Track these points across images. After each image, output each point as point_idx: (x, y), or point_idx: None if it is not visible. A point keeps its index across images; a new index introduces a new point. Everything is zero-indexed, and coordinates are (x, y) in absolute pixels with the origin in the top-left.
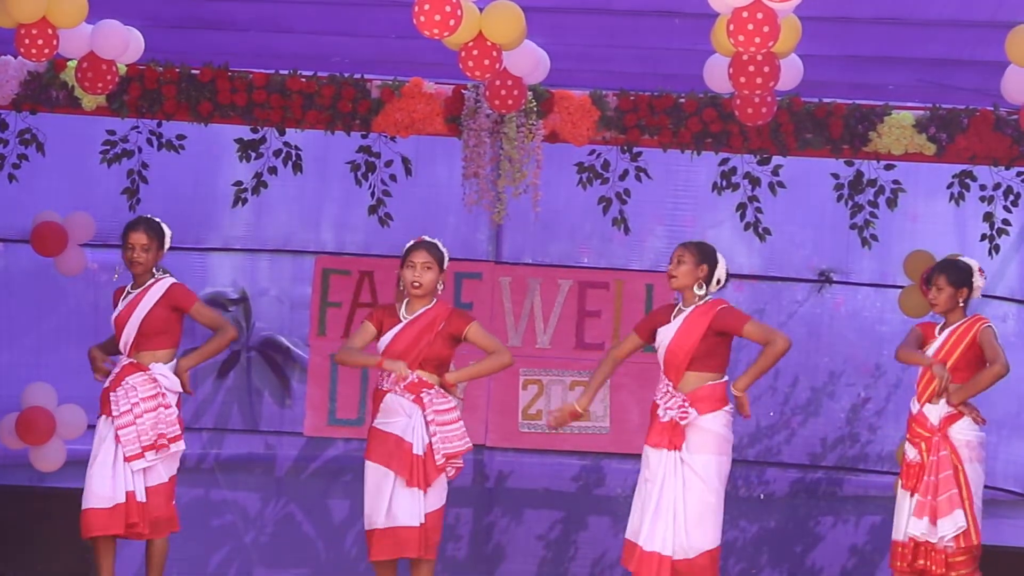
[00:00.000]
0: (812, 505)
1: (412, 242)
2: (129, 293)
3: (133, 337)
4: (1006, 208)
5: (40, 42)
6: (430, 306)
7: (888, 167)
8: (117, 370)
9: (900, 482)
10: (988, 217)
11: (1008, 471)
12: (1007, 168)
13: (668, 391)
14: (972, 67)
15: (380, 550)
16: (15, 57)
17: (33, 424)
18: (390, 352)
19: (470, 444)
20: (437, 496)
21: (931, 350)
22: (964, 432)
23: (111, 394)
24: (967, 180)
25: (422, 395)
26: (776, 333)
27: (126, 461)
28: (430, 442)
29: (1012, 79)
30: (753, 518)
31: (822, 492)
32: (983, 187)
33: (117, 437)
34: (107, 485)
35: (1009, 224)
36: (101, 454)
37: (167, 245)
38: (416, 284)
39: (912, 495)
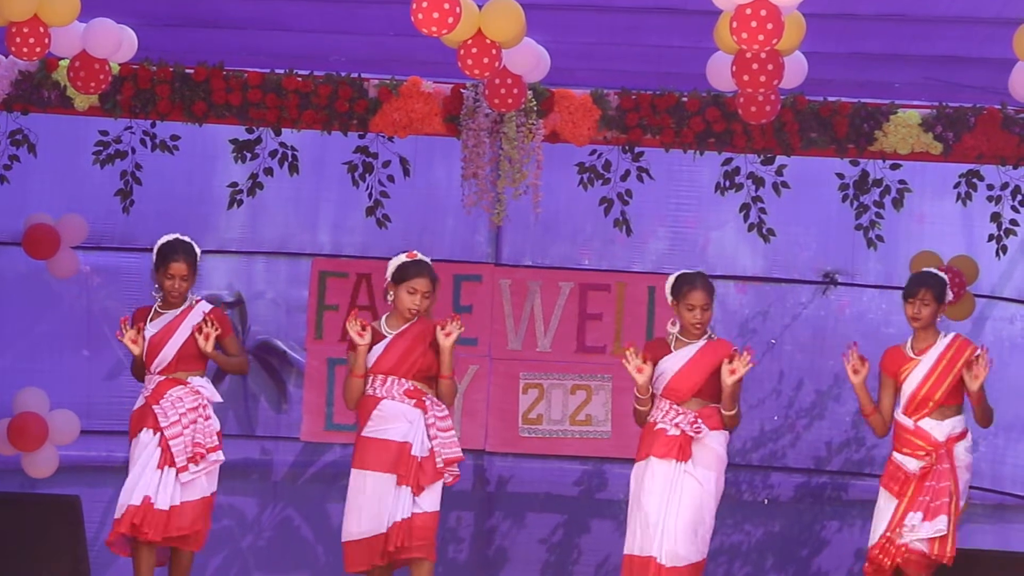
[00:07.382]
0: (817, 509)
1: (412, 261)
2: (160, 313)
3: (170, 360)
4: (1014, 208)
5: (31, 41)
6: (415, 320)
7: (894, 167)
8: (153, 386)
9: (885, 490)
10: (996, 217)
11: (1016, 475)
12: (1015, 167)
13: (672, 408)
14: (979, 65)
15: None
16: (6, 56)
17: (25, 430)
18: (380, 366)
19: (461, 454)
20: (433, 499)
21: (918, 374)
22: (965, 455)
23: (154, 407)
24: (974, 180)
25: (423, 399)
26: None
27: (178, 471)
28: (432, 447)
29: (1020, 77)
30: (758, 522)
31: (827, 496)
32: (990, 187)
33: (166, 447)
34: (147, 492)
35: (1017, 224)
36: (140, 464)
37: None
38: (414, 311)
39: (901, 502)
